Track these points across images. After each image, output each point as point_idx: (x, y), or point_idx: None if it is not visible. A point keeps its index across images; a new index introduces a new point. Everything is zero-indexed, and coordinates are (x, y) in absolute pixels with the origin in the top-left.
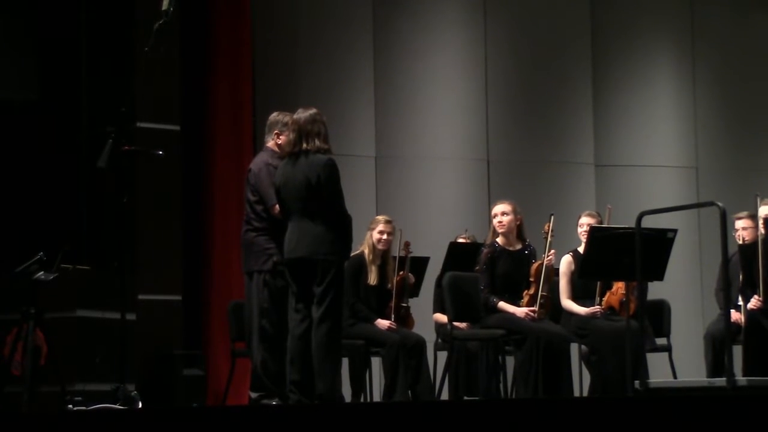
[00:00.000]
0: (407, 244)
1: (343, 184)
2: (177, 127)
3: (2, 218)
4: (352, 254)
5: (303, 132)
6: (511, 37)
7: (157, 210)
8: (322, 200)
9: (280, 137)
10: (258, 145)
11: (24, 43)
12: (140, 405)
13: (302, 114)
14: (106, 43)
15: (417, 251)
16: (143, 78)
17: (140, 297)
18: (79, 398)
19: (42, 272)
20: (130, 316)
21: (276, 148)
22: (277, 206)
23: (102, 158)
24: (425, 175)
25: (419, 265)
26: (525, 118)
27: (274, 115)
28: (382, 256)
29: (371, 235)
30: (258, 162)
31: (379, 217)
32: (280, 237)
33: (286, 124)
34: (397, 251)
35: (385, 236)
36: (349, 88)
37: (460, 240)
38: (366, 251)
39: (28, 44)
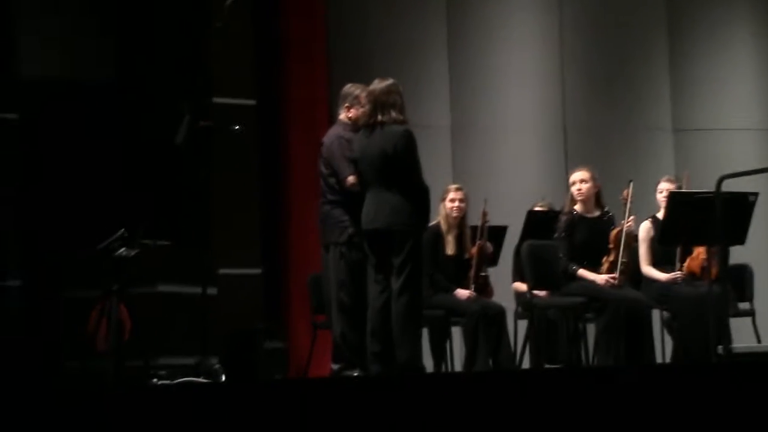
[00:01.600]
0: (485, 214)
1: (421, 154)
2: (252, 102)
3: (84, 197)
4: (429, 225)
5: (378, 103)
6: (587, 1)
7: (234, 185)
8: (399, 171)
9: (351, 110)
10: (333, 118)
11: (99, 22)
12: (223, 378)
13: (378, 85)
14: (180, 19)
15: (494, 220)
16: (217, 53)
17: (220, 271)
18: (163, 372)
19: (124, 249)
20: (211, 291)
21: (347, 121)
22: (350, 178)
23: (179, 134)
24: (501, 144)
25: (497, 234)
26: (601, 83)
27: (346, 87)
28: (459, 226)
29: (444, 205)
30: (330, 135)
31: (450, 186)
32: (356, 209)
33: (356, 97)
34: (474, 220)
35: (456, 203)
36: (422, 57)
37: (538, 208)
38: (442, 222)
39: (103, 24)
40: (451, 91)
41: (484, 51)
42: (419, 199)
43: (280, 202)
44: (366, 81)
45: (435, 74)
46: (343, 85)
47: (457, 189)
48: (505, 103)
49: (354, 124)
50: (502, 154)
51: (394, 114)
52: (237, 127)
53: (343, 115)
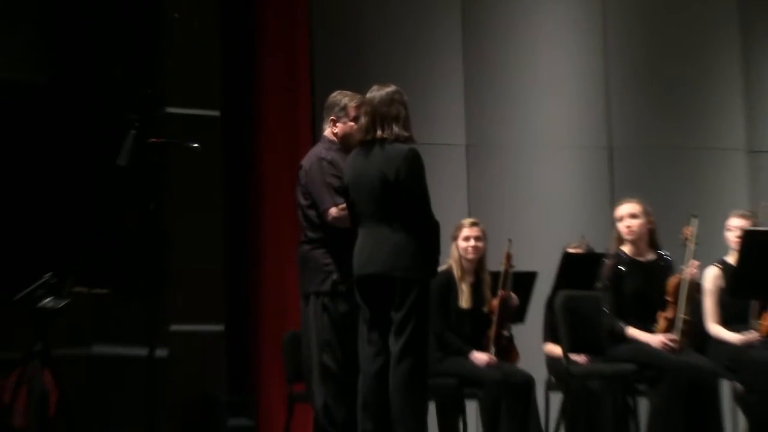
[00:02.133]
0: (508, 256)
1: (428, 180)
2: (216, 113)
3: (0, 230)
4: (438, 270)
5: (378, 116)
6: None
7: (194, 217)
8: (402, 202)
9: (337, 125)
10: (318, 133)
11: (32, 15)
12: None
13: (377, 93)
14: (129, 11)
15: (521, 265)
16: (175, 54)
17: (173, 328)
18: None
19: (50, 298)
20: (161, 352)
21: (332, 138)
22: (333, 210)
23: (123, 154)
24: (529, 168)
25: (524, 282)
26: (656, 91)
27: (332, 96)
28: (476, 272)
29: (457, 245)
30: (310, 156)
31: (464, 221)
32: (344, 250)
33: (344, 108)
34: (495, 265)
35: (472, 243)
36: (430, 60)
37: (576, 249)
38: (454, 266)
39: (38, 16)
40: (466, 101)
41: (506, 52)
42: (426, 237)
43: (250, 240)
44: (361, 90)
45: (447, 81)
46: (329, 94)
47: (473, 224)
48: (533, 118)
49: (343, 142)
50: (530, 180)
51: (396, 129)
52: (196, 145)
53: (327, 131)
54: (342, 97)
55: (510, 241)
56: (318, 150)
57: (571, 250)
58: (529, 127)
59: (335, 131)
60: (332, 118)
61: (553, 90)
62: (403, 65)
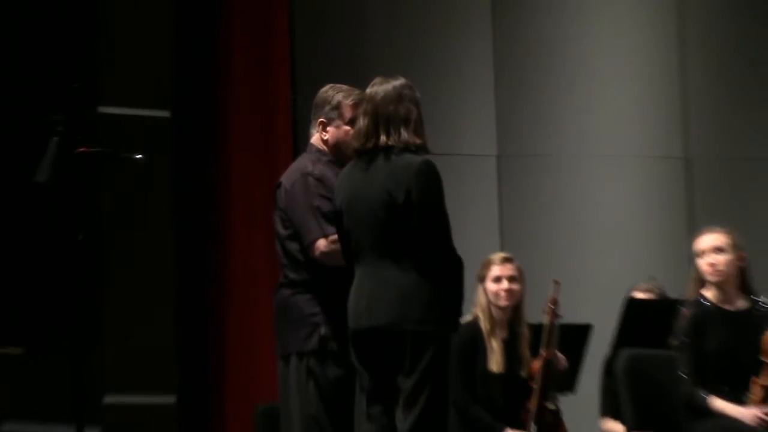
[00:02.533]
0: (554, 303)
1: (448, 201)
2: (165, 113)
3: None
4: (461, 322)
5: (381, 117)
6: None
7: (137, 250)
8: (414, 231)
9: (327, 129)
10: (301, 138)
11: None
12: None
13: (380, 87)
14: None
15: (570, 314)
16: (111, 37)
17: (108, 399)
18: None
19: None
20: (93, 431)
21: (322, 146)
22: (321, 243)
23: (43, 167)
24: (578, 185)
25: (575, 337)
26: (747, 93)
27: (322, 92)
28: (510, 324)
29: (485, 287)
30: (291, 171)
31: (494, 256)
32: (335, 296)
33: (337, 107)
34: (536, 315)
35: (505, 285)
36: (452, 49)
37: (642, 294)
38: (481, 317)
39: None
40: (496, 100)
41: (549, 37)
42: (445, 278)
43: (212, 280)
44: (357, 84)
45: (472, 73)
46: (317, 89)
47: (506, 260)
48: (584, 121)
49: (335, 151)
50: (580, 201)
51: (406, 135)
52: (139, 156)
53: (315, 137)
54: (334, 93)
55: (557, 283)
56: (302, 163)
57: (637, 296)
58: (579, 133)
59: (325, 137)
60: (321, 120)
61: (611, 85)
62: (415, 53)
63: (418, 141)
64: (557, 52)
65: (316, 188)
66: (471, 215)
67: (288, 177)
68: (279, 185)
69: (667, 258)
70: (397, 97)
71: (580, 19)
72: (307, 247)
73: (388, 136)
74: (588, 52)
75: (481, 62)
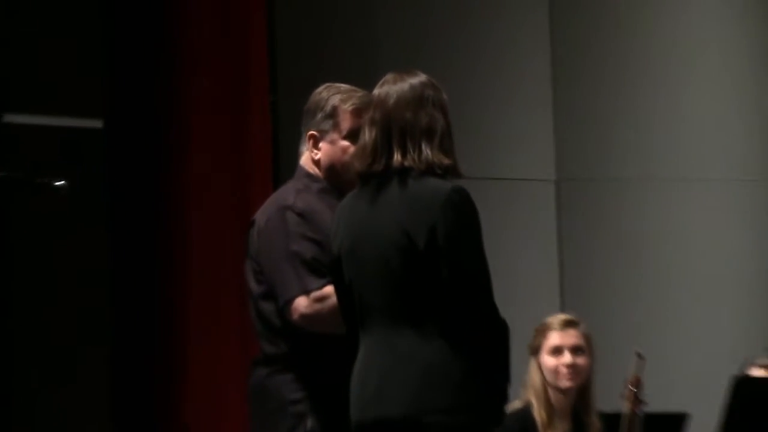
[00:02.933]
0: (636, 384)
1: (492, 237)
2: (97, 123)
3: None
4: (507, 410)
5: (395, 127)
6: None
7: (58, 308)
8: (440, 285)
9: (320, 144)
10: (283, 158)
11: None
12: None
13: (393, 86)
14: None
15: (656, 397)
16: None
17: None
18: None
19: None
20: None
21: (314, 169)
22: (301, 303)
23: None
24: (659, 213)
25: (664, 430)
26: None
27: (315, 93)
28: (574, 412)
29: (539, 362)
30: (269, 205)
31: (552, 319)
32: (323, 374)
33: (332, 115)
34: (610, 399)
35: (567, 358)
36: (501, 50)
37: (759, 370)
38: (534, 402)
39: None
40: (555, 114)
41: (616, 39)
42: (484, 350)
43: (161, 353)
44: (365, 84)
45: (526, 83)
46: (304, 89)
47: (568, 324)
48: (671, 138)
49: (331, 176)
50: (663, 234)
51: (429, 152)
52: (61, 183)
53: (305, 156)
54: (329, 95)
55: (640, 357)
56: (283, 193)
57: (757, 371)
58: (662, 153)
59: (317, 156)
60: (312, 132)
61: (696, 98)
62: (453, 51)
63: (445, 161)
64: (625, 58)
65: (297, 227)
66: (522, 257)
67: (263, 213)
68: (252, 224)
69: None
70: (417, 100)
71: (653, 29)
72: (283, 308)
73: (404, 153)
74: (665, 64)
75: (537, 73)
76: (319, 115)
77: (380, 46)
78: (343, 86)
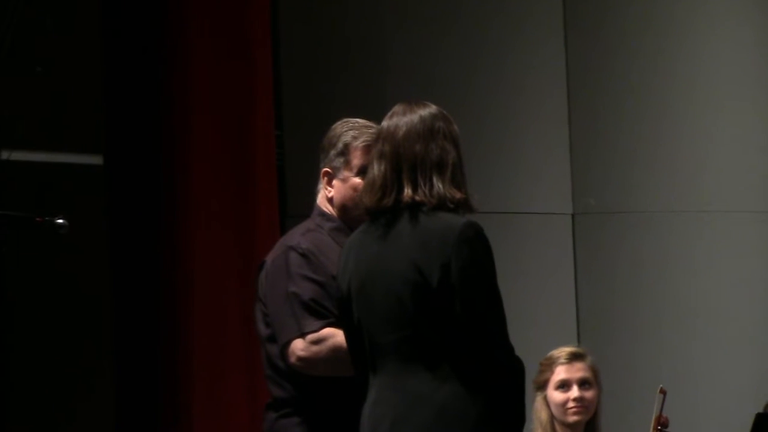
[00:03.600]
0: (662, 423)
1: (508, 273)
2: (97, 159)
3: None
4: None
5: (405, 160)
6: None
7: (62, 337)
8: (453, 323)
9: (333, 182)
10: (291, 195)
11: None
12: None
13: (402, 118)
14: None
15: None
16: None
17: None
18: None
19: None
20: None
21: (328, 208)
22: (298, 345)
23: None
24: (678, 247)
25: None
26: None
27: (331, 129)
28: None
29: (546, 398)
30: (278, 246)
31: (557, 352)
32: (333, 418)
33: (343, 152)
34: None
35: (575, 392)
36: (525, 99)
37: None
38: None
39: None
40: (572, 147)
41: (633, 82)
42: (499, 390)
43: (172, 393)
44: (375, 116)
45: (541, 112)
46: (312, 124)
47: (575, 357)
48: (691, 171)
49: (344, 214)
50: (683, 268)
51: (440, 186)
52: (61, 222)
53: (321, 195)
54: (342, 132)
55: (663, 393)
56: (293, 233)
57: None
58: (684, 187)
59: (330, 193)
60: (326, 169)
61: (719, 127)
62: (468, 84)
63: (457, 195)
64: (646, 83)
65: (298, 267)
66: (539, 292)
67: (272, 254)
68: (261, 266)
69: None
70: (428, 132)
71: (673, 61)
72: (281, 352)
73: (415, 188)
74: (686, 96)
75: (553, 101)
76: (332, 153)
77: (390, 79)
78: (359, 122)
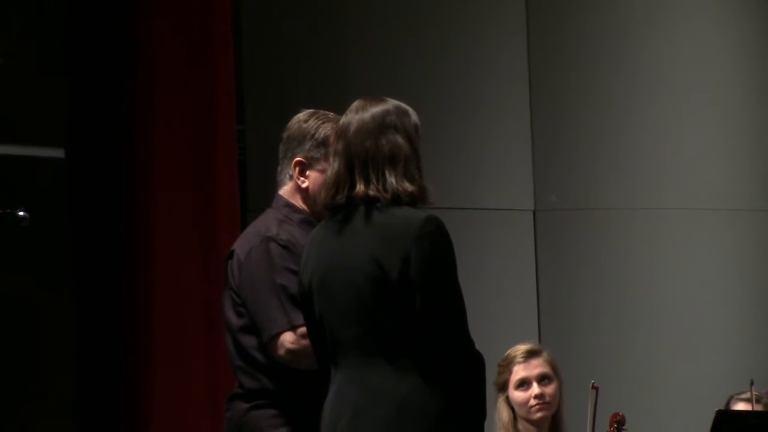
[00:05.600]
0: (617, 420)
1: (470, 268)
2: (59, 152)
3: None
4: None
5: (356, 156)
6: None
7: (21, 330)
8: (414, 317)
9: (308, 173)
10: (252, 189)
11: None
12: None
13: (355, 116)
14: None
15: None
16: None
17: None
18: None
19: None
20: None
21: (295, 199)
22: (287, 338)
23: None
24: (643, 244)
25: None
26: None
27: (300, 120)
28: None
29: (509, 398)
30: (249, 235)
31: (513, 351)
32: (304, 410)
33: (323, 143)
34: (588, 430)
35: (535, 389)
36: (488, 96)
37: (741, 404)
38: None
39: None
40: (534, 144)
41: (603, 56)
42: (459, 383)
43: (132, 387)
44: (339, 109)
45: (503, 107)
46: (273, 117)
47: (531, 354)
48: (653, 168)
49: (315, 207)
50: (647, 264)
51: (393, 180)
52: (22, 214)
53: (288, 186)
54: (319, 123)
55: (596, 389)
56: (265, 222)
57: (740, 405)
58: (649, 182)
59: (304, 184)
60: (299, 159)
61: (682, 124)
62: (429, 81)
63: (409, 188)
64: (606, 93)
65: (281, 259)
66: (501, 288)
67: (243, 243)
68: (231, 255)
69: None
70: (378, 127)
71: (636, 58)
72: (268, 343)
73: (367, 183)
74: (648, 93)
75: (515, 95)
76: (309, 143)
77: (351, 76)
78: (331, 114)
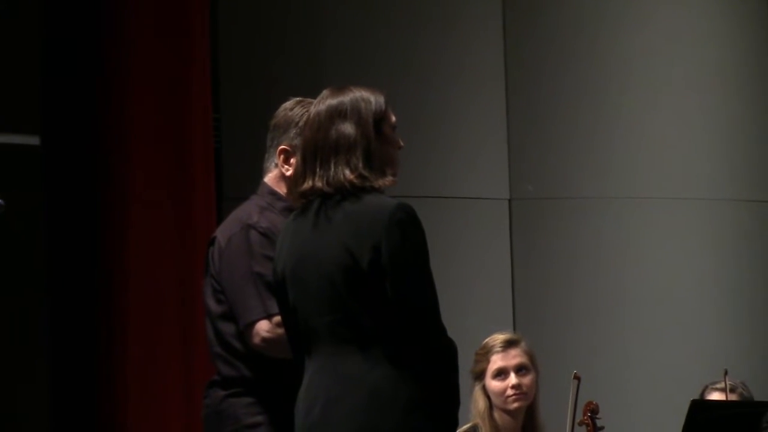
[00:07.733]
0: (591, 408)
1: (444, 257)
2: (34, 140)
3: None
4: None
5: (323, 147)
6: None
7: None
8: (385, 305)
9: (292, 160)
10: (227, 178)
11: None
12: None
13: (313, 108)
14: None
15: (611, 421)
16: None
17: None
18: None
19: None
20: None
21: (279, 186)
22: (263, 326)
23: None
24: (618, 233)
25: None
26: None
27: (286, 109)
28: (523, 431)
29: (485, 387)
30: (231, 222)
31: (491, 340)
32: (280, 398)
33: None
34: (557, 421)
35: (512, 379)
36: (463, 86)
37: (716, 394)
38: (482, 426)
39: None
40: (509, 133)
41: (572, 62)
42: (431, 371)
43: (107, 378)
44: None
45: (479, 95)
46: (251, 106)
47: (510, 344)
48: (629, 157)
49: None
50: (622, 254)
51: (362, 171)
52: None
53: (272, 174)
54: (302, 111)
55: (578, 378)
56: (247, 210)
57: (714, 395)
58: (618, 171)
59: (288, 171)
60: (283, 147)
61: (659, 113)
62: (405, 70)
63: (349, 176)
64: (581, 82)
65: (260, 247)
66: (475, 277)
67: (224, 230)
68: (212, 242)
69: (756, 342)
70: (329, 118)
71: (611, 47)
72: (244, 331)
73: (313, 176)
74: (624, 83)
75: (491, 87)
76: (293, 131)
77: (327, 64)
78: (310, 101)
